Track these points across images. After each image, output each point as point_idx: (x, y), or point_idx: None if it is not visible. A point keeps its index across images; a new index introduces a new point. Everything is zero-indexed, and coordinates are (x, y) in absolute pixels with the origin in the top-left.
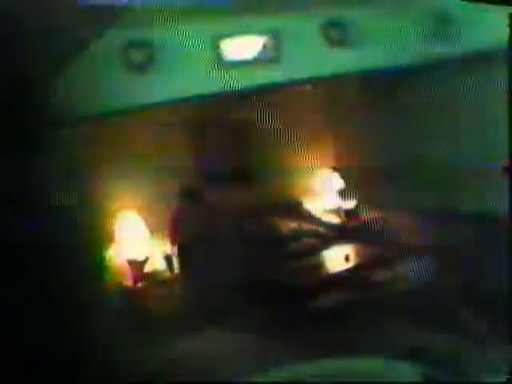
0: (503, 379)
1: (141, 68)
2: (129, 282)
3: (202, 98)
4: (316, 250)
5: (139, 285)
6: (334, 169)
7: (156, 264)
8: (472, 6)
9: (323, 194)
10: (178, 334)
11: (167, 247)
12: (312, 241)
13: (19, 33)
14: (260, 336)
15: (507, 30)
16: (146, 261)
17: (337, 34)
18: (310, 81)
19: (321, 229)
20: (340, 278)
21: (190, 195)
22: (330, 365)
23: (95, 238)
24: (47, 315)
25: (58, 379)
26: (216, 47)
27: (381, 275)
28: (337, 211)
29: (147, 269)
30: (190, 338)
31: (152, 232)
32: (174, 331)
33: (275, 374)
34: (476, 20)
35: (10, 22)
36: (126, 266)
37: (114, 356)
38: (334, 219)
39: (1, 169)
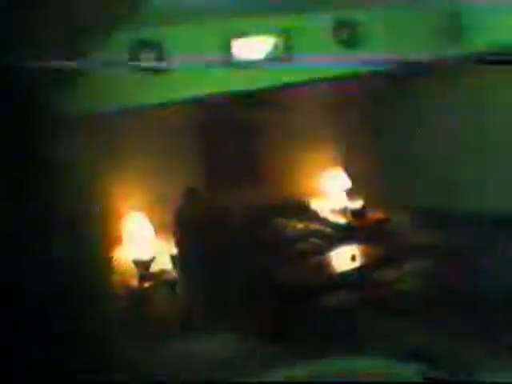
0: (503, 379)
1: (151, 68)
2: (135, 282)
3: (213, 97)
4: (322, 250)
5: (145, 285)
6: (341, 169)
7: (162, 264)
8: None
9: (330, 194)
10: (182, 334)
11: (173, 247)
12: (318, 241)
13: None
14: (263, 336)
15: None
16: (152, 260)
17: (347, 34)
18: (320, 81)
19: (327, 229)
20: (346, 278)
21: (194, 196)
22: (330, 365)
23: (101, 239)
24: (51, 314)
25: (60, 378)
26: (227, 47)
27: (386, 275)
28: (343, 211)
29: (153, 268)
30: (193, 338)
31: (158, 232)
32: (179, 331)
33: (276, 374)
34: (482, 20)
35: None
36: (132, 265)
37: (117, 355)
38: (341, 219)
39: (4, 167)
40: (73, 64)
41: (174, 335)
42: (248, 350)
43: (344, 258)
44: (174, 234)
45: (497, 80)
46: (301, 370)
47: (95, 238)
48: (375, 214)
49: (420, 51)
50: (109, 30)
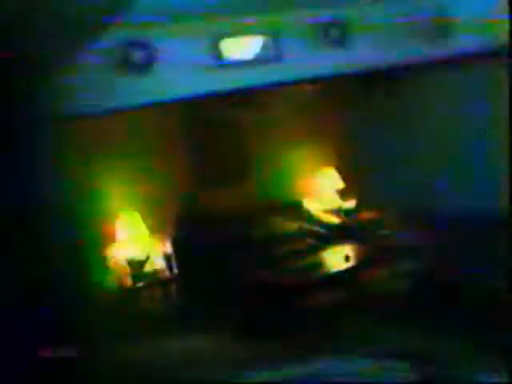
0: (503, 379)
1: (140, 68)
2: (128, 282)
3: (201, 97)
4: (316, 250)
5: (139, 284)
6: (334, 169)
7: (156, 264)
8: (472, 5)
9: (323, 194)
10: (176, 334)
11: (167, 247)
12: (312, 241)
13: (20, 31)
14: (259, 336)
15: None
16: (146, 260)
17: (337, 33)
18: (309, 80)
19: (321, 229)
20: (340, 278)
21: (189, 196)
22: (329, 365)
23: (95, 238)
24: (48, 314)
25: (57, 378)
26: (216, 47)
27: (380, 275)
28: (337, 211)
29: (147, 268)
30: (188, 338)
31: (152, 231)
32: (173, 331)
33: (275, 374)
34: (476, 20)
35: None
36: (126, 265)
37: (112, 355)
38: (335, 219)
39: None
40: None
41: (169, 334)
42: (245, 350)
43: (338, 258)
44: (169, 234)
45: (484, 78)
46: (299, 370)
47: (89, 237)
48: (368, 214)
49: (409, 50)
50: (97, 30)
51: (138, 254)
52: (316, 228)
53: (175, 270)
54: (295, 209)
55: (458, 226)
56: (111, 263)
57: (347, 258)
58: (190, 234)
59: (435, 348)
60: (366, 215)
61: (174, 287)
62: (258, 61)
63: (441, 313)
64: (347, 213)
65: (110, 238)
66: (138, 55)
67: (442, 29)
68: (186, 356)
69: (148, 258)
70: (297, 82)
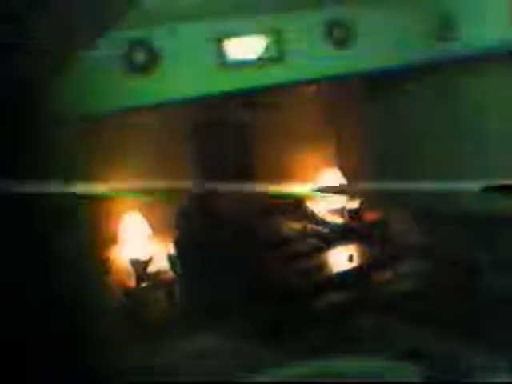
0: (503, 379)
1: (142, 68)
2: (132, 282)
3: (203, 98)
4: (320, 251)
5: (142, 285)
6: (337, 169)
7: (159, 264)
8: (473, 5)
9: (326, 194)
10: (179, 334)
11: (170, 247)
12: (316, 241)
13: (21, 32)
14: (261, 336)
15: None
16: (149, 261)
17: (339, 33)
18: (312, 80)
19: (324, 229)
20: (343, 278)
21: (191, 196)
22: (330, 365)
23: (97, 239)
24: (48, 314)
25: (57, 378)
26: (218, 47)
27: (383, 275)
28: (340, 211)
29: (151, 269)
30: (191, 339)
31: (155, 232)
32: (176, 331)
33: (275, 374)
34: (477, 20)
35: (11, 20)
36: (129, 266)
37: (114, 356)
38: (338, 219)
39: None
40: None
41: (172, 335)
42: (247, 350)
43: (341, 258)
44: (172, 235)
45: (487, 79)
46: (300, 370)
47: (93, 238)
48: (371, 214)
49: (411, 51)
50: (101, 30)
51: (141, 254)
52: (320, 228)
53: (178, 271)
54: (299, 209)
55: (463, 225)
56: (115, 264)
57: (351, 259)
58: (193, 234)
59: (439, 347)
60: (369, 215)
61: (177, 288)
62: (260, 61)
63: (444, 313)
64: (351, 213)
65: (114, 239)
66: (140, 56)
67: (445, 30)
68: (189, 357)
69: (152, 258)
70: (299, 82)
